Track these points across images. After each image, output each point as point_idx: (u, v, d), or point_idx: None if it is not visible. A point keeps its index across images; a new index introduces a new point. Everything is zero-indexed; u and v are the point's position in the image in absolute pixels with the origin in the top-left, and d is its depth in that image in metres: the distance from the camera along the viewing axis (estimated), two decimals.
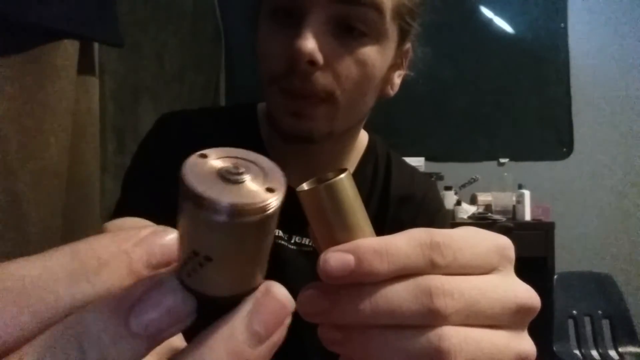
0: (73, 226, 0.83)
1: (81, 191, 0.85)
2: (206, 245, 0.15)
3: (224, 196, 0.14)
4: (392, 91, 0.59)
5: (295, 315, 0.19)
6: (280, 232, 0.58)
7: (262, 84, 0.53)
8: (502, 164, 2.49)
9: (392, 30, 0.51)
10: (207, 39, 2.31)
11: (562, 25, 2.47)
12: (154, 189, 0.54)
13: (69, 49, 0.75)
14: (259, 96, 0.61)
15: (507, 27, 2.51)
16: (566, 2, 2.47)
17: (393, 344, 0.20)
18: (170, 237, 0.17)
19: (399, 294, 0.20)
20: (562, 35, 2.47)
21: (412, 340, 0.20)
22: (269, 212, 0.15)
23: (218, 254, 0.15)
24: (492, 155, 2.50)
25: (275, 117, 0.52)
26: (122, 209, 0.56)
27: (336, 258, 0.20)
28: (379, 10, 0.48)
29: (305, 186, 0.22)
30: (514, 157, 2.48)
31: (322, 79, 0.48)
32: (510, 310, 0.22)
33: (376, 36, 0.50)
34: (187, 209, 0.15)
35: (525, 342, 0.23)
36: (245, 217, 0.14)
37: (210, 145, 0.16)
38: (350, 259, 0.20)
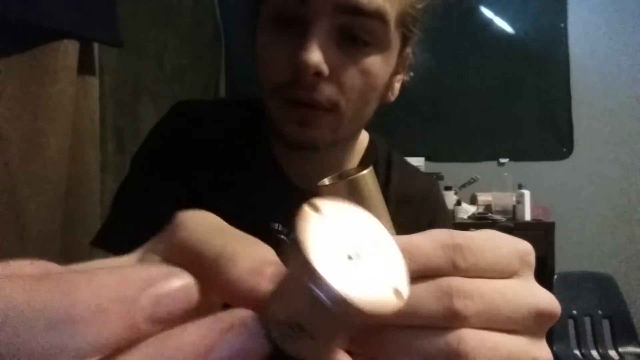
0: (73, 226, 0.83)
1: (81, 191, 0.85)
2: (309, 322, 0.14)
3: (348, 288, 0.14)
4: (393, 96, 0.59)
5: None
6: (280, 226, 0.58)
7: (264, 92, 0.52)
8: (502, 164, 2.49)
9: (395, 38, 0.51)
10: (207, 39, 2.30)
11: (562, 25, 2.47)
12: (169, 173, 0.54)
13: (69, 49, 0.75)
14: (258, 96, 0.61)
15: (507, 27, 2.51)
16: (566, 2, 2.47)
17: (410, 344, 0.20)
18: (182, 282, 0.15)
19: (419, 294, 0.20)
20: (562, 35, 2.47)
21: (430, 341, 0.20)
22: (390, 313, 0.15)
23: (319, 336, 0.15)
24: (492, 155, 2.49)
25: (279, 126, 0.52)
26: (134, 189, 0.57)
27: None
28: (383, 20, 0.47)
29: (326, 181, 0.21)
30: (514, 157, 2.48)
31: (327, 89, 0.48)
32: (530, 316, 0.21)
33: (380, 45, 0.49)
34: (298, 276, 0.14)
35: (543, 350, 0.23)
36: (361, 316, 0.14)
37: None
38: None
